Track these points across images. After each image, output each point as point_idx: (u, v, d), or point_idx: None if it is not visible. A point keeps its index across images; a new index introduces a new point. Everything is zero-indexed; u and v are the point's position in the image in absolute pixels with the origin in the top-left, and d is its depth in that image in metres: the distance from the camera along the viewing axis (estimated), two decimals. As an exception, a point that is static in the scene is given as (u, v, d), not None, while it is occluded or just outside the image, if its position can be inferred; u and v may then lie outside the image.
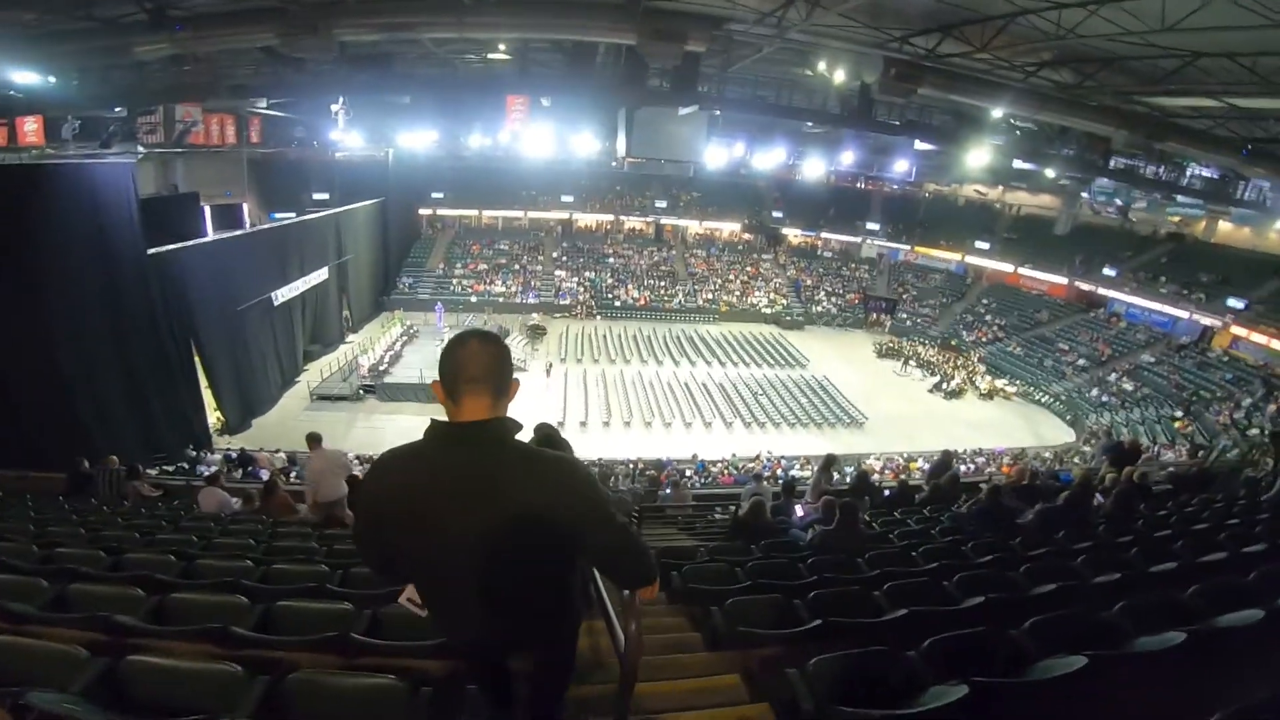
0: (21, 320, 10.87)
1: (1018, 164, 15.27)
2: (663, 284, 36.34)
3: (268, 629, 2.96)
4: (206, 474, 12.59)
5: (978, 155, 14.05)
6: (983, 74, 12.09)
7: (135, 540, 5.01)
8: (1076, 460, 19.68)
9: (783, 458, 18.19)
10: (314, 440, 6.41)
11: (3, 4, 9.17)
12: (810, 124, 13.65)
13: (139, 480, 7.49)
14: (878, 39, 11.65)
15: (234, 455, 14.08)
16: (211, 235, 18.57)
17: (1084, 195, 30.67)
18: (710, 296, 35.94)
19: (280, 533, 5.68)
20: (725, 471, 16.43)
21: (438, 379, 1.53)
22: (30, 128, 15.07)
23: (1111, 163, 15.44)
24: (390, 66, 10.42)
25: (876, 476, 16.33)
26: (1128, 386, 25.97)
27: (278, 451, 14.63)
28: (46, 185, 11.65)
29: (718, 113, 19.42)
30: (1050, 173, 16.92)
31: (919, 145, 14.32)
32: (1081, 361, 28.43)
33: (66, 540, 4.90)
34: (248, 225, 25.20)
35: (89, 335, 12.27)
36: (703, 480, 15.64)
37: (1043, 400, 27.16)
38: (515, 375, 1.59)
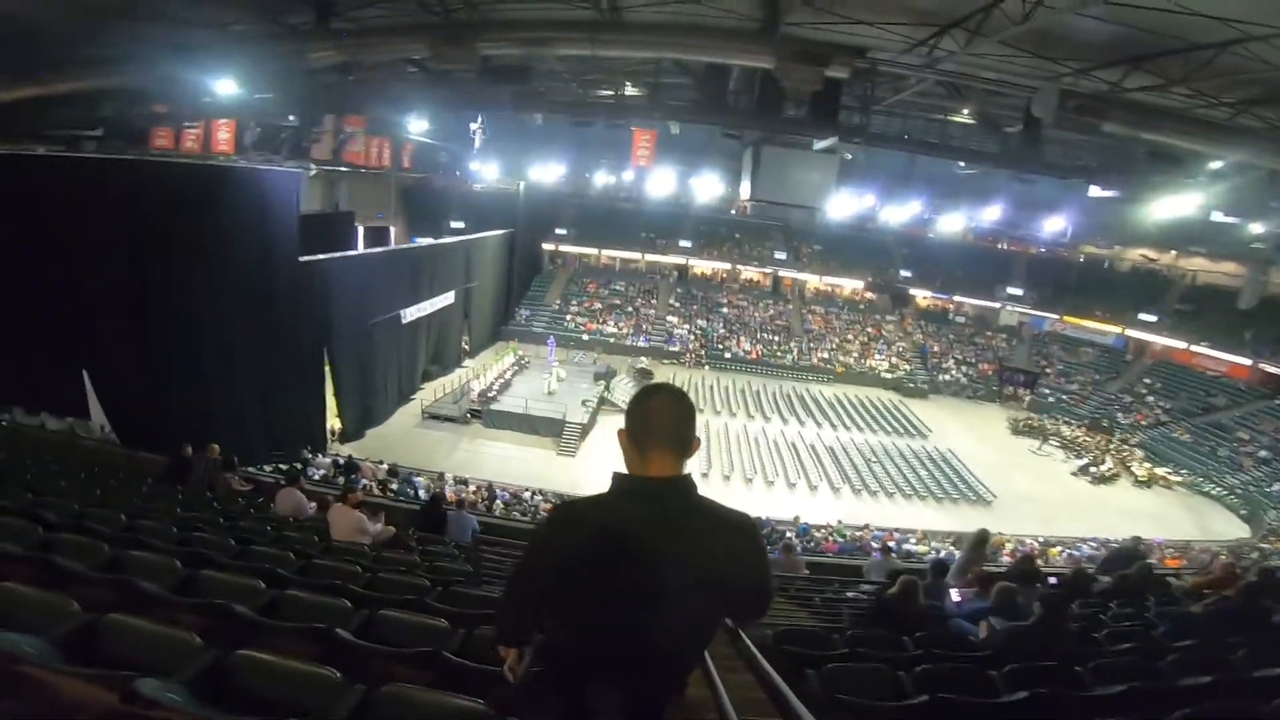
0: (175, 308, 11.82)
1: (1216, 217, 13.01)
2: (776, 339, 35.19)
3: (368, 636, 2.99)
4: (316, 476, 13.26)
5: (1172, 205, 12.13)
6: (1180, 111, 10.50)
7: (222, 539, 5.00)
8: (1254, 556, 16.51)
9: (896, 530, 16.37)
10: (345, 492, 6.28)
11: (219, 12, 10.31)
12: (962, 165, 12.43)
13: (232, 473, 7.62)
14: (1048, 72, 10.49)
15: (341, 461, 14.57)
16: (356, 251, 19.88)
17: None
18: (826, 356, 34.29)
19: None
20: (830, 538, 14.94)
21: (624, 429, 1.58)
22: (223, 135, 17.02)
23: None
24: (526, 82, 10.62)
25: (1005, 559, 14.28)
26: (1317, 481, 21.86)
27: (381, 463, 14.99)
28: (220, 186, 12.81)
29: (849, 157, 18.59)
30: (1257, 228, 14.43)
31: (1093, 192, 12.61)
32: (1263, 453, 24.46)
33: (205, 526, 5.20)
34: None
35: (234, 329, 13.17)
36: (804, 545, 14.28)
37: (1213, 492, 23.50)
38: (697, 436, 1.61)
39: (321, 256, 15.94)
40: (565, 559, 1.58)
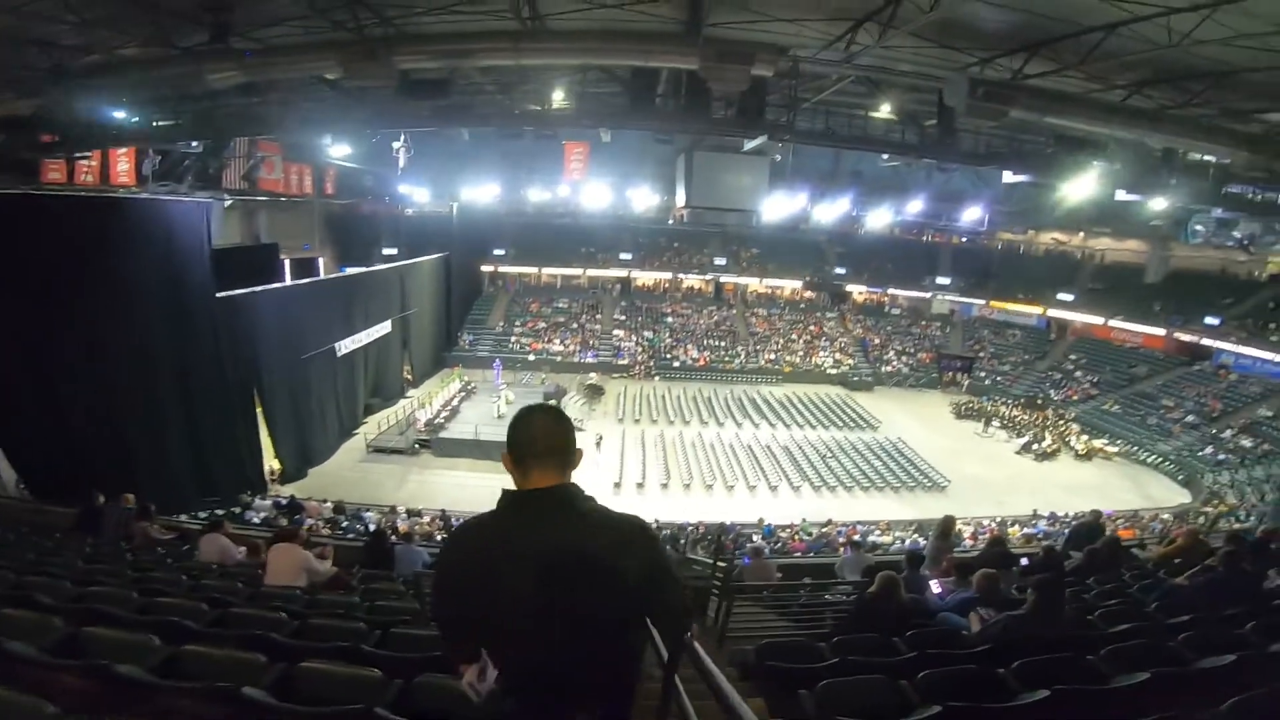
0: (84, 352, 10.93)
1: (1120, 196, 13.74)
2: (723, 344, 35.48)
3: (285, 693, 2.67)
4: (256, 519, 12.41)
5: (1079, 186, 12.74)
6: (1079, 95, 11.04)
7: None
8: (1200, 520, 17.37)
9: (858, 523, 16.51)
10: (286, 535, 5.76)
11: (108, 38, 9.61)
12: (885, 158, 12.75)
13: (149, 521, 6.97)
14: (956, 62, 10.88)
15: (284, 502, 13.73)
16: (281, 283, 18.95)
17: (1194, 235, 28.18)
18: (772, 357, 34.76)
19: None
20: (796, 537, 14.93)
21: (507, 451, 1.62)
22: (123, 166, 15.88)
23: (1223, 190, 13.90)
24: (447, 95, 10.29)
25: (968, 542, 14.55)
26: (1246, 443, 23.42)
27: (325, 502, 14.17)
28: (122, 220, 12.02)
29: (778, 158, 18.96)
30: (1158, 205, 15.32)
31: (1008, 178, 13.17)
32: (1190, 418, 25.92)
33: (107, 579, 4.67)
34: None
35: (151, 373, 12.32)
36: (771, 546, 14.22)
37: (1149, 460, 24.64)
38: (579, 447, 1.67)
39: (241, 291, 15.10)
40: (457, 577, 1.66)
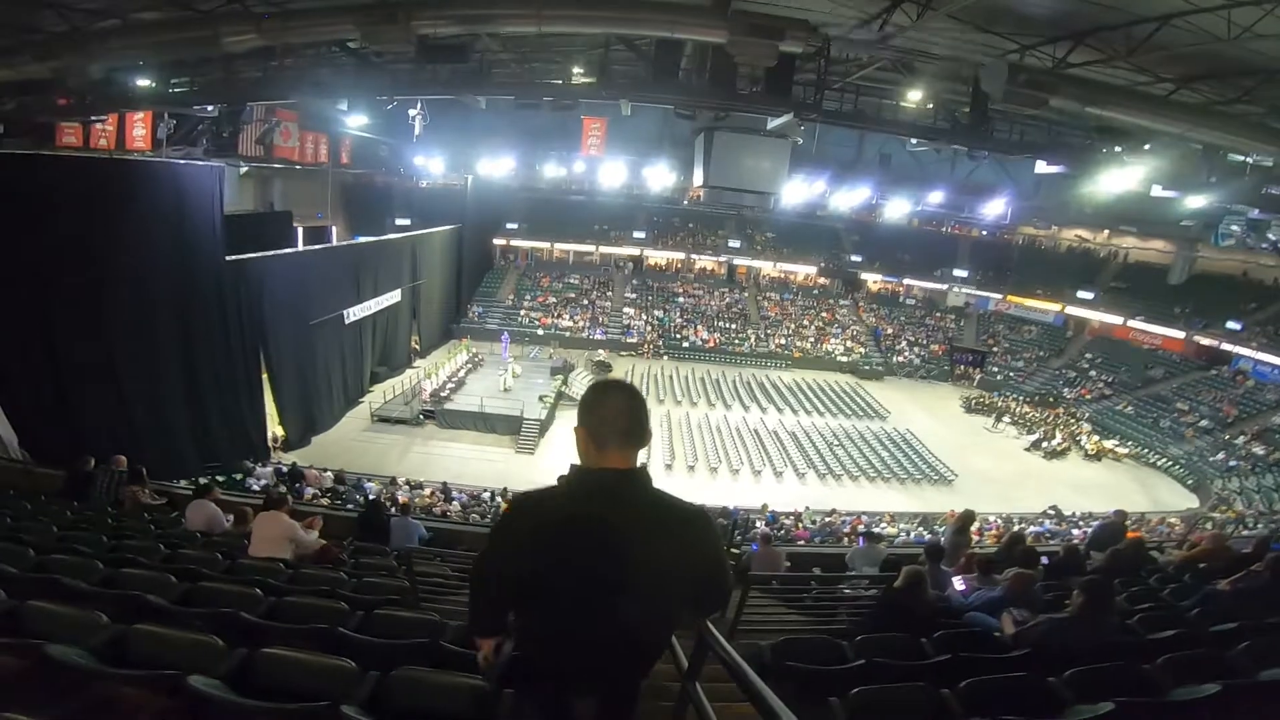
0: (86, 312, 10.76)
1: (1156, 192, 13.26)
2: (733, 326, 35.19)
3: (242, 684, 2.50)
4: (257, 486, 12.38)
5: (1116, 180, 12.30)
6: (1124, 87, 10.60)
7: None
8: (1209, 527, 17.11)
9: (863, 513, 16.36)
10: (272, 503, 5.47)
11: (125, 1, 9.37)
12: (914, 142, 12.35)
13: (140, 485, 6.85)
14: (994, 48, 10.45)
15: (285, 470, 13.69)
16: (291, 249, 18.75)
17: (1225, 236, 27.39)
18: (783, 342, 34.46)
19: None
20: (799, 525, 14.80)
21: (581, 425, 1.62)
22: (139, 132, 15.71)
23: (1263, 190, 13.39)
24: (465, 60, 9.97)
25: (974, 537, 14.39)
26: (1258, 450, 23.00)
27: (326, 471, 14.12)
28: (131, 181, 11.77)
29: (799, 141, 18.44)
30: (1195, 203, 14.83)
31: (1041, 168, 12.73)
32: (1204, 423, 25.51)
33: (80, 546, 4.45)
34: (334, 245, 25.84)
35: (156, 337, 12.16)
36: (774, 533, 14.11)
37: (1159, 463, 24.32)
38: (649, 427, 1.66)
39: (251, 255, 14.93)
40: (523, 548, 1.63)
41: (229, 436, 14.19)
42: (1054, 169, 12.89)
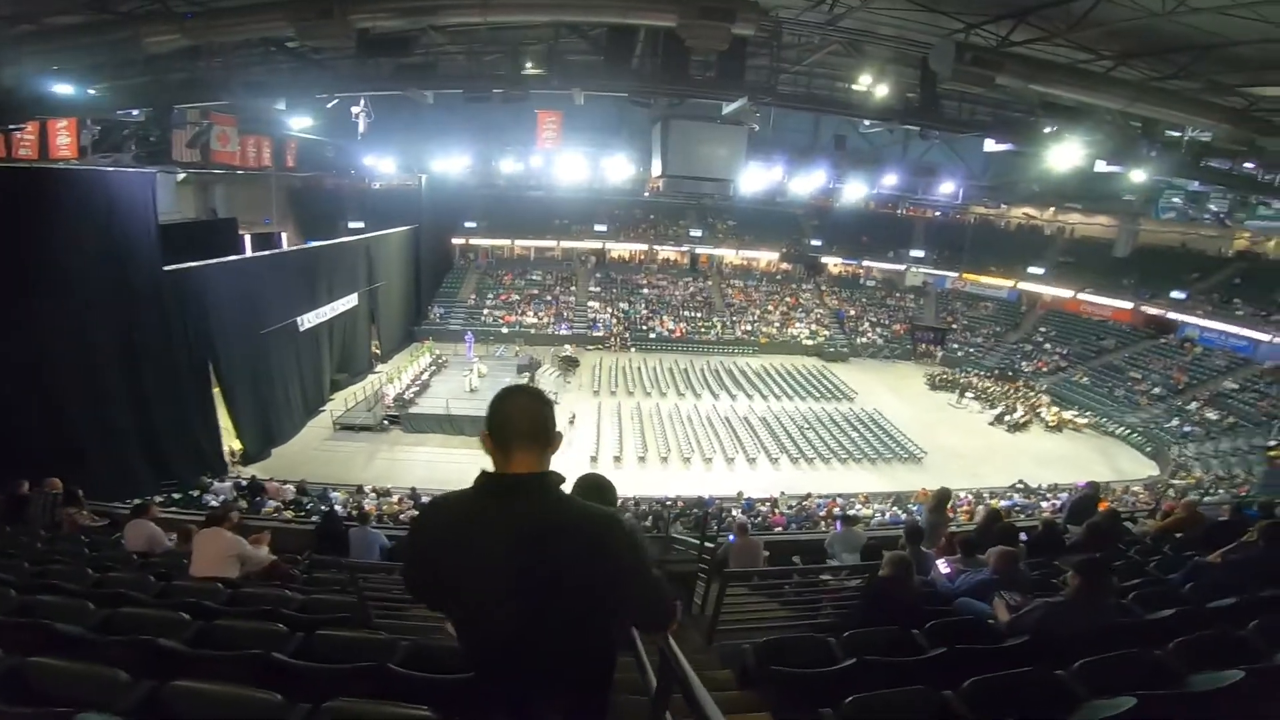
0: (15, 335, 10.11)
1: (1100, 168, 13.57)
2: (699, 315, 35.20)
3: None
4: (215, 502, 11.84)
5: (1061, 156, 12.54)
6: (1065, 64, 10.81)
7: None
8: (1170, 494, 17.71)
9: (838, 495, 16.50)
10: (214, 518, 5.15)
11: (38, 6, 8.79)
12: (866, 123, 12.38)
13: (77, 507, 6.43)
14: (940, 28, 10.54)
15: (244, 483, 13.15)
16: (235, 256, 17.99)
17: (1165, 210, 28.30)
18: (749, 328, 34.62)
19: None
20: (775, 511, 14.83)
21: (487, 432, 1.60)
22: (63, 140, 14.79)
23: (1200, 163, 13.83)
24: (408, 52, 9.61)
25: (948, 514, 14.60)
26: (1211, 415, 23.91)
27: (287, 483, 13.61)
28: (56, 191, 11.08)
29: (756, 128, 18.46)
30: (1138, 177, 15.23)
31: (990, 146, 12.92)
32: (1157, 390, 26.43)
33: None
34: (284, 252, 24.93)
35: (93, 353, 11.53)
36: (751, 521, 14.11)
37: (1117, 432, 25.06)
38: (559, 430, 1.66)
39: (191, 264, 14.27)
40: (427, 552, 1.67)
41: (182, 452, 13.57)
42: (1002, 147, 13.09)
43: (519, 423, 1.60)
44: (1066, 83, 10.48)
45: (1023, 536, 5.20)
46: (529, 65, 12.73)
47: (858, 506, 15.39)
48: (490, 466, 1.62)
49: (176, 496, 11.77)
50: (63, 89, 10.83)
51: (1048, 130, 12.16)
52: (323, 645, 3.03)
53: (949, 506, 15.52)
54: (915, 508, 15.32)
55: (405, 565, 1.87)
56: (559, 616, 1.55)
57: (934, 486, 18.13)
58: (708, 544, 5.97)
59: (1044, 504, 14.96)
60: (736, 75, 10.76)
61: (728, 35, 9.14)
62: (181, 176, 23.37)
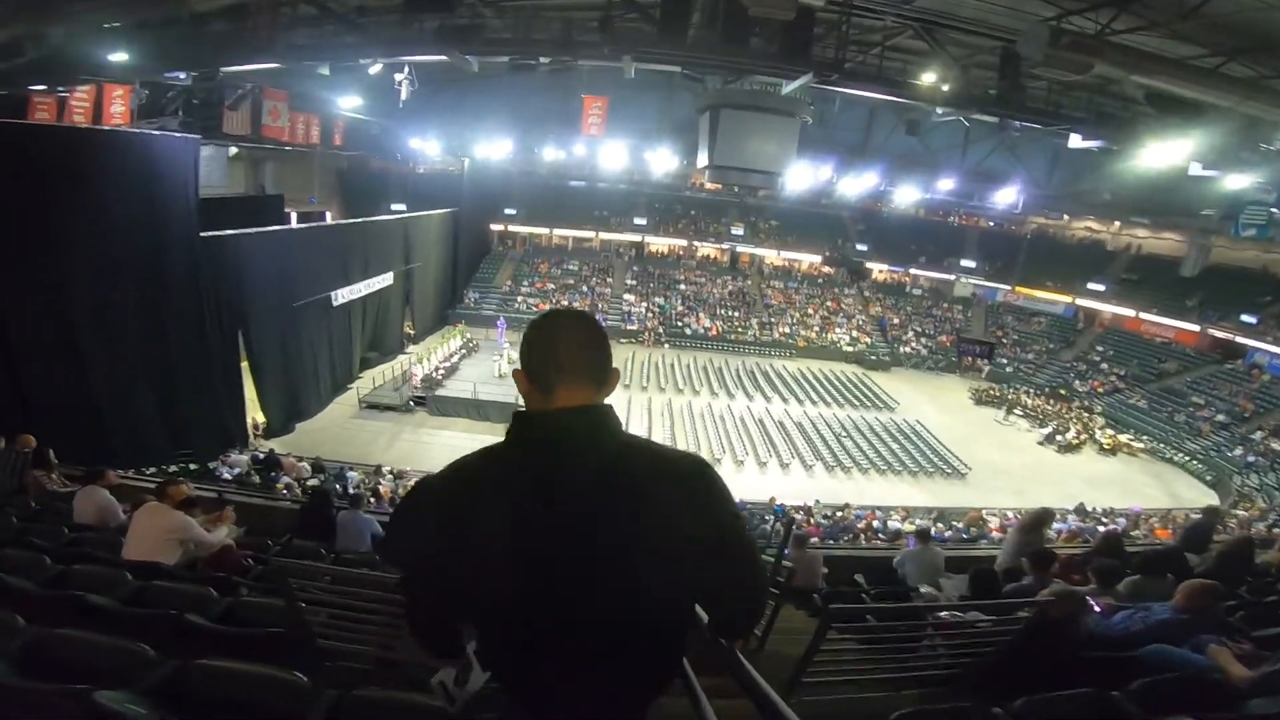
0: (41, 290, 9.93)
1: (1195, 170, 12.39)
2: (736, 314, 34.33)
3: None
4: (229, 475, 11.56)
5: (1158, 155, 11.42)
6: (1170, 56, 9.84)
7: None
8: (1233, 523, 16.40)
9: (876, 508, 15.59)
10: (159, 490, 4.52)
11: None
12: (939, 112, 11.49)
13: (45, 470, 6.00)
14: (1025, 13, 9.70)
15: (261, 457, 12.87)
16: (273, 227, 17.83)
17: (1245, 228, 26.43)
18: (787, 330, 33.63)
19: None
20: (810, 520, 14.00)
21: (521, 367, 1.25)
22: (117, 108, 14.76)
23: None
24: (451, 9, 9.12)
25: (996, 534, 13.64)
26: (1277, 446, 22.30)
27: (303, 460, 13.26)
28: (96, 152, 10.90)
29: (809, 120, 17.59)
30: (1236, 183, 13.97)
31: (1074, 143, 11.86)
32: (1220, 417, 24.73)
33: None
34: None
35: (121, 316, 11.33)
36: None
37: (1175, 459, 23.59)
38: (615, 366, 1.27)
39: (229, 232, 14.08)
40: (457, 537, 1.18)
41: (203, 422, 13.34)
42: (1089, 144, 12.03)
43: (567, 353, 1.21)
44: (1174, 76, 9.50)
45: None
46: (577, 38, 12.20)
47: (896, 519, 14.48)
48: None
49: (193, 467, 11.50)
50: (115, 57, 10.72)
51: (1149, 126, 11.09)
52: (201, 679, 2.15)
53: (991, 526, 14.56)
54: (960, 526, 14.36)
55: (415, 588, 1.37)
56: (628, 606, 1.15)
57: (977, 503, 17.20)
58: (785, 561, 4.98)
59: (1100, 528, 13.84)
60: (801, 51, 10.01)
61: (794, 3, 8.41)
62: (234, 151, 23.57)
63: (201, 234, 13.03)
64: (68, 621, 2.46)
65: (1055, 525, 14.48)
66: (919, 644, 3.11)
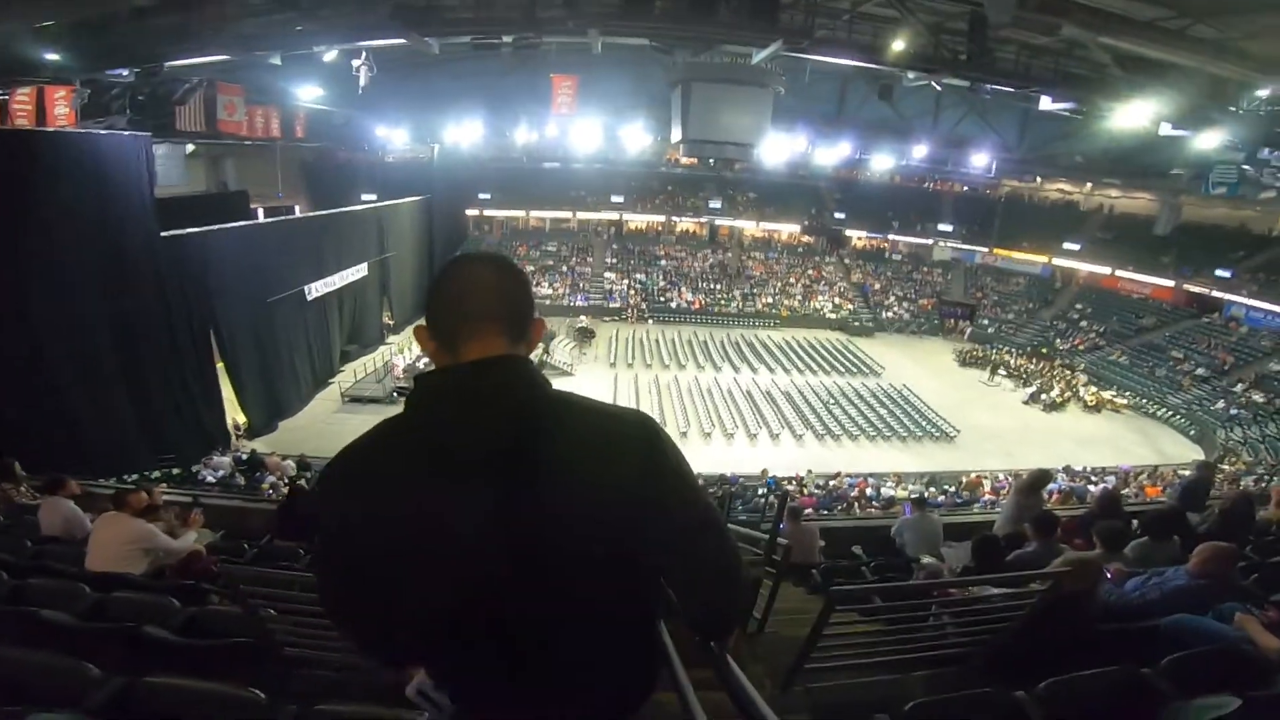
0: (3, 308, 9.55)
1: (1165, 130, 12.33)
2: (718, 287, 34.25)
3: None
4: (212, 478, 11.29)
5: (1128, 116, 11.40)
6: (1136, 18, 9.73)
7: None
8: (1220, 477, 16.65)
9: (870, 475, 15.64)
10: (120, 498, 4.28)
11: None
12: (910, 77, 11.31)
13: (13, 482, 5.75)
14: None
15: (245, 458, 12.59)
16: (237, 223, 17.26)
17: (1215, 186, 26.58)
18: (770, 301, 33.65)
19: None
20: (804, 491, 14.03)
21: (422, 322, 1.05)
22: (61, 111, 14.13)
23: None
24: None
25: (988, 497, 13.76)
26: (1258, 398, 22.70)
27: (287, 458, 12.98)
28: (41, 156, 10.35)
29: (781, 91, 17.31)
30: (1209, 142, 13.96)
31: (1044, 105, 11.78)
32: (1200, 371, 25.14)
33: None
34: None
35: (86, 324, 10.90)
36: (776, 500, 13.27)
37: (1159, 414, 23.98)
38: (537, 315, 1.09)
39: (190, 230, 13.57)
40: (352, 537, 0.99)
41: (182, 426, 12.99)
42: (1059, 106, 11.97)
43: (473, 299, 1.02)
44: (1140, 37, 9.40)
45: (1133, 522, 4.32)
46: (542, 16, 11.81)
47: (889, 485, 14.56)
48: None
49: (175, 473, 11.21)
50: (51, 56, 10.23)
51: (1116, 88, 11.01)
52: (142, 696, 2.02)
53: (984, 490, 14.65)
54: (951, 490, 14.47)
55: (331, 600, 1.17)
56: (574, 601, 0.98)
57: (969, 466, 17.34)
58: (778, 536, 4.80)
59: (1091, 488, 14.01)
60: (769, 16, 9.77)
61: (764, -37, 8.18)
62: (191, 149, 22.75)
63: (162, 234, 12.57)
64: (20, 639, 2.33)
65: (1051, 485, 14.69)
66: (925, 621, 3.00)
